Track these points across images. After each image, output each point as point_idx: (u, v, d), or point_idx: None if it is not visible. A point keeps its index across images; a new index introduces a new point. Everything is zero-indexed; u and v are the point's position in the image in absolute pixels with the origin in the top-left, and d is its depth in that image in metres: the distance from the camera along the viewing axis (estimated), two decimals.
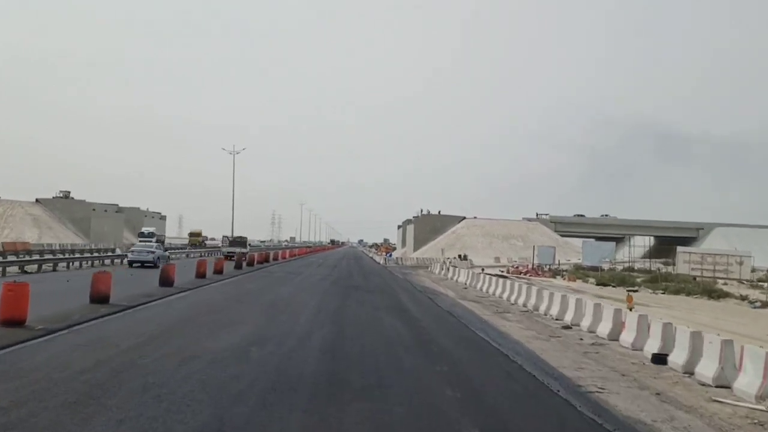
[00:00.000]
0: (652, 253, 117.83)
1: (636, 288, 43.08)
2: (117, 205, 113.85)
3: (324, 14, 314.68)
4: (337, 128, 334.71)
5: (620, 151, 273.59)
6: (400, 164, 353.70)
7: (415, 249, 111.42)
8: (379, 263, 68.05)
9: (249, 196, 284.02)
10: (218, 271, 30.79)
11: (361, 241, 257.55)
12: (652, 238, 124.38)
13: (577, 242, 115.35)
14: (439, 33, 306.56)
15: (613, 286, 46.24)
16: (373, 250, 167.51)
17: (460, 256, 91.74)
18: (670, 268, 67.42)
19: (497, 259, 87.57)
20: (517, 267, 64.06)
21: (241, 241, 56.83)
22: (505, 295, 26.98)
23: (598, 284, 47.79)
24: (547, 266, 62.77)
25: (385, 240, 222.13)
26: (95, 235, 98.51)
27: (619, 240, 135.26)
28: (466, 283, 36.28)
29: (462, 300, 26.43)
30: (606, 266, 66.85)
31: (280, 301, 20.87)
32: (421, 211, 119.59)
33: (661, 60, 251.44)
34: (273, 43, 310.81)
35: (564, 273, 59.84)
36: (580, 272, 58.54)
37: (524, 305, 23.63)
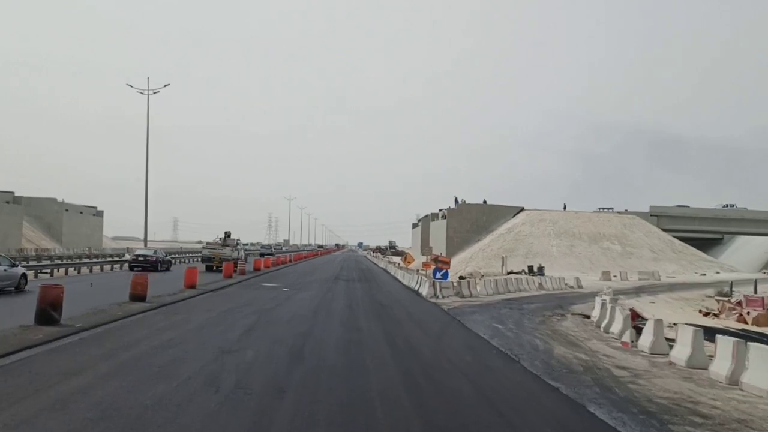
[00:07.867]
0: None
1: None
2: (12, 193, 78.33)
3: (327, 19, 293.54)
4: (334, 132, 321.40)
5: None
6: (399, 168, 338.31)
7: (449, 256, 75.30)
8: (416, 291, 32.55)
9: (246, 199, 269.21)
10: None
11: (361, 244, 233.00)
12: None
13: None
14: (435, 39, 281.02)
15: None
16: (379, 255, 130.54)
17: (530, 268, 56.46)
18: None
19: (606, 274, 52.01)
20: (735, 302, 28.96)
21: None
22: None
23: None
24: None
25: (391, 243, 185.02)
26: None
27: (715, 242, 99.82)
28: None
29: None
30: None
31: None
32: (456, 200, 78.73)
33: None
34: (272, 46, 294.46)
35: None
36: None
37: None
